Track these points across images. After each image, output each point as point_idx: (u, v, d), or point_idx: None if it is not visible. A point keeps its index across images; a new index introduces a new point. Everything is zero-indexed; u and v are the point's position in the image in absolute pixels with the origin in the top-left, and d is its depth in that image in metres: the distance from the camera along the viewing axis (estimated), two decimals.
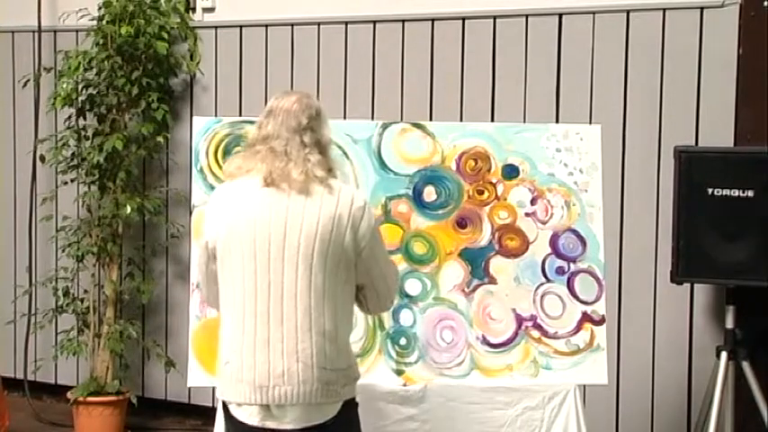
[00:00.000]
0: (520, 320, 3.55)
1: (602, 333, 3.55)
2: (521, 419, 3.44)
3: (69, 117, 5.20)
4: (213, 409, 3.49)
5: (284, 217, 2.75)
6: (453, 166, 3.63)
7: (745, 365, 3.91)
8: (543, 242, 3.59)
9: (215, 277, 2.88)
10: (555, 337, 3.54)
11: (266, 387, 2.72)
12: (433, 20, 4.73)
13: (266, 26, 5.09)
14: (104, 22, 5.03)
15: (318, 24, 4.97)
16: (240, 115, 4.97)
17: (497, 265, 3.58)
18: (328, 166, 2.85)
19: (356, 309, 2.95)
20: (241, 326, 2.76)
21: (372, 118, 4.67)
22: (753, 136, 4.14)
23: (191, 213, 3.62)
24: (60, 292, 5.17)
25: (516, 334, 3.54)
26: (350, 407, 2.85)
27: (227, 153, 3.58)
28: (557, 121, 4.41)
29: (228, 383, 2.79)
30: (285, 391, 2.71)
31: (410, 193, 3.60)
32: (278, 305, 2.73)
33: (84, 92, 5.11)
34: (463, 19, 4.67)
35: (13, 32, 5.73)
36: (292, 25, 5.03)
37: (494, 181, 3.63)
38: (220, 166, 3.57)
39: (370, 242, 2.83)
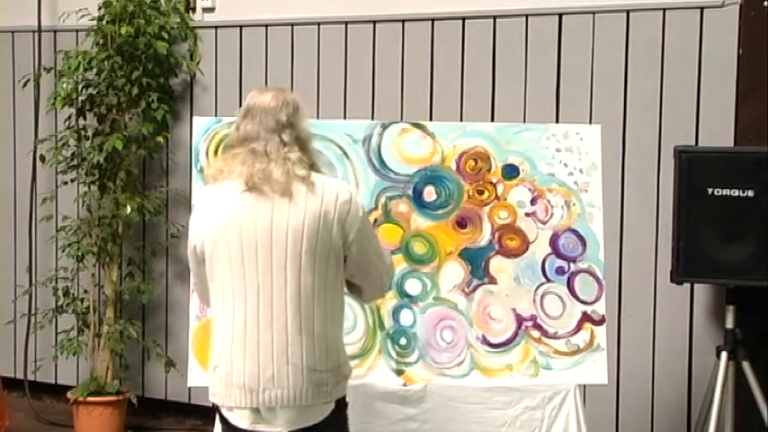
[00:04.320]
0: (520, 320, 3.55)
1: (602, 333, 3.55)
2: (521, 419, 3.44)
3: (69, 117, 5.20)
4: (213, 409, 3.48)
5: (269, 220, 2.73)
6: (453, 166, 3.63)
7: (745, 365, 3.90)
8: (543, 242, 3.59)
9: (206, 279, 2.87)
10: (555, 337, 3.54)
11: (255, 391, 2.71)
12: (432, 20, 4.72)
13: (266, 26, 5.08)
14: (104, 22, 5.03)
15: (318, 24, 4.97)
16: None
17: (497, 264, 3.58)
18: (310, 162, 2.82)
19: (355, 307, 2.95)
20: (230, 330, 2.75)
21: (372, 118, 4.66)
22: (753, 136, 4.14)
23: (190, 213, 3.61)
24: (60, 292, 5.17)
25: (516, 334, 3.54)
26: (341, 406, 2.83)
27: None
28: (557, 121, 4.41)
29: (219, 387, 2.79)
30: (275, 393, 2.70)
31: (410, 192, 3.60)
32: (267, 308, 2.71)
33: (84, 92, 5.10)
34: (463, 19, 4.66)
35: (13, 32, 5.73)
36: (292, 25, 5.03)
37: (494, 181, 3.63)
38: None
39: (358, 235, 2.81)
